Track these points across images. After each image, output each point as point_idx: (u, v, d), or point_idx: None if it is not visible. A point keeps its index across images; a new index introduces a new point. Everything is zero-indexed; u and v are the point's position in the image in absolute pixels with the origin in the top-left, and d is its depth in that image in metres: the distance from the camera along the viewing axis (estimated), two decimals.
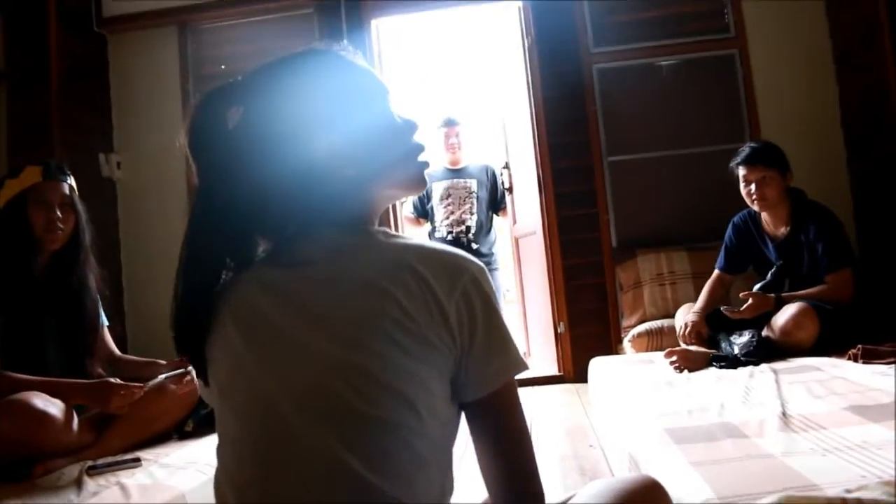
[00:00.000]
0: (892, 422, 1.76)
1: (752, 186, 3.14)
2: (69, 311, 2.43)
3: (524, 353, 4.94)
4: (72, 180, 2.45)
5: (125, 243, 4.58)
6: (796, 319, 2.86)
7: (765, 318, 3.01)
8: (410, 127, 1.13)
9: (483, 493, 1.06)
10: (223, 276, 1.05)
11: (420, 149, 1.13)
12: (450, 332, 0.95)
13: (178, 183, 4.45)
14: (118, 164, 4.53)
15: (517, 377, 1.02)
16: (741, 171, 3.20)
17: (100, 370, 2.48)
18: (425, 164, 1.14)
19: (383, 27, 4.74)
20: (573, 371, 4.26)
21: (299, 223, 1.04)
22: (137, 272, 4.50)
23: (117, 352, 2.72)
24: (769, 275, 3.14)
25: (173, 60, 4.65)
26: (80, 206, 2.44)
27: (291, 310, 0.98)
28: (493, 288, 1.01)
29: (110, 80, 4.67)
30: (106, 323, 2.67)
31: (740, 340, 2.96)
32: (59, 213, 2.34)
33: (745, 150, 3.22)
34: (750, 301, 3.00)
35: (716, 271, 3.48)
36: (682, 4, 4.40)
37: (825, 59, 4.26)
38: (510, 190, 4.98)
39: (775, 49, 4.29)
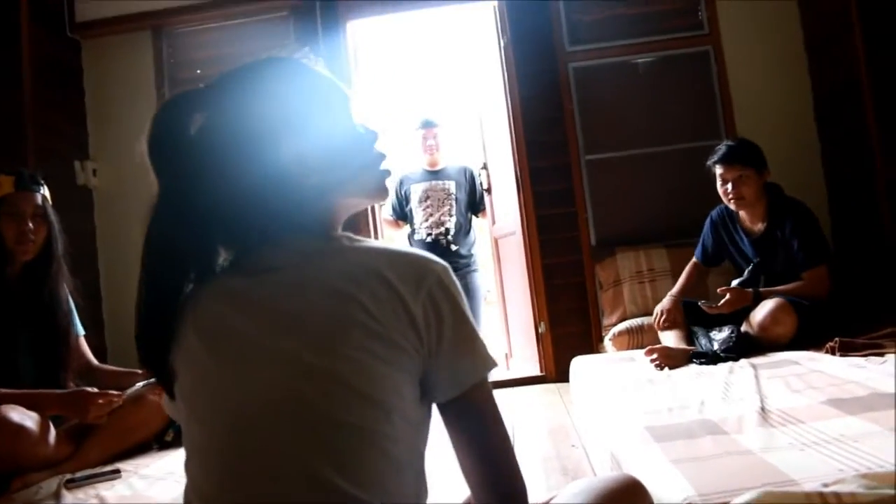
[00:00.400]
0: (869, 414, 1.78)
1: (729, 185, 3.15)
2: (41, 323, 2.40)
3: (505, 355, 4.96)
4: (45, 190, 2.42)
5: (103, 252, 4.53)
6: (774, 315, 2.89)
7: (743, 314, 3.04)
8: (371, 137, 1.14)
9: (457, 495, 1.05)
10: (185, 287, 1.04)
11: (381, 158, 1.14)
12: (416, 333, 0.96)
13: (155, 190, 4.40)
14: (94, 172, 4.48)
15: (494, 378, 1.02)
16: (718, 170, 3.21)
17: (72, 383, 2.45)
18: (387, 173, 1.15)
19: (359, 29, 4.74)
20: (555, 371, 4.25)
21: (261, 230, 1.03)
22: (116, 281, 4.45)
23: (95, 361, 2.70)
24: (746, 272, 3.16)
25: (148, 65, 4.60)
26: (53, 217, 2.41)
27: (257, 317, 0.97)
28: (458, 288, 1.01)
29: (85, 86, 4.62)
30: (81, 333, 2.64)
31: (719, 336, 2.98)
32: (31, 224, 2.31)
33: (722, 148, 3.23)
34: (728, 296, 3.02)
35: (693, 259, 3.52)
36: (656, 2, 4.42)
37: (798, 53, 4.30)
38: (489, 190, 4.98)
39: (749, 44, 4.33)
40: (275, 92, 1.06)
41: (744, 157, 3.15)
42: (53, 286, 2.42)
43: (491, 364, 1.02)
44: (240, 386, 0.94)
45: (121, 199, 4.45)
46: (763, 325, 2.91)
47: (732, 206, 3.23)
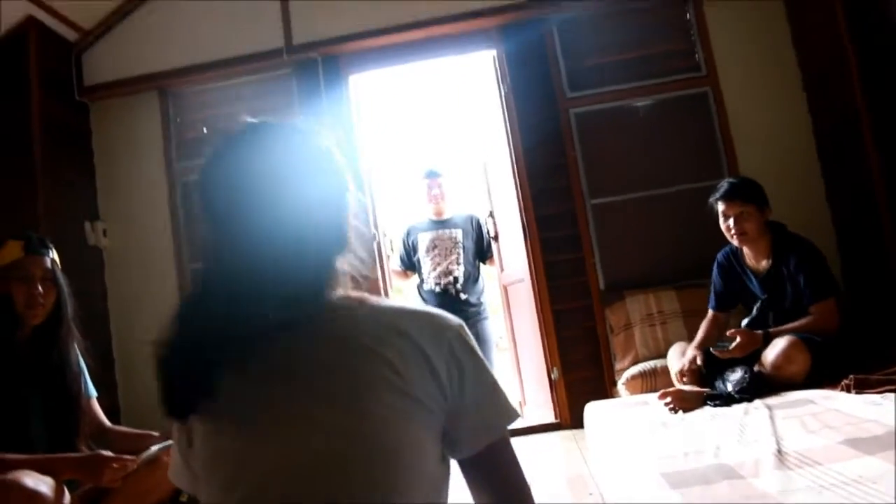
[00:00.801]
0: (887, 453, 1.75)
1: (731, 221, 3.18)
2: (52, 386, 2.40)
3: (519, 403, 4.91)
4: (54, 254, 2.45)
5: (114, 312, 4.54)
6: (787, 353, 2.86)
7: (755, 354, 3.01)
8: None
9: None
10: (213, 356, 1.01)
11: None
12: (440, 389, 0.96)
13: (165, 249, 4.47)
14: (104, 232, 4.52)
15: (513, 427, 1.03)
16: (720, 207, 3.24)
17: (84, 446, 2.44)
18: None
19: (361, 82, 4.80)
20: (570, 417, 4.21)
21: (276, 286, 1.01)
22: (128, 340, 4.45)
23: (107, 423, 2.69)
24: (754, 310, 3.16)
25: (155, 125, 4.67)
26: (61, 280, 2.43)
27: (276, 380, 0.97)
28: (475, 342, 1.03)
29: (94, 148, 4.68)
30: (94, 394, 2.64)
31: (733, 377, 2.95)
32: (40, 287, 2.33)
33: (724, 185, 3.27)
34: (738, 339, 2.99)
35: (709, 312, 3.48)
36: (653, 45, 4.49)
37: (797, 90, 4.32)
38: (496, 238, 5.00)
39: (747, 84, 4.36)
40: (308, 153, 1.07)
41: (744, 193, 3.17)
42: (63, 349, 2.43)
43: (514, 415, 1.04)
44: (263, 449, 0.94)
45: (131, 258, 4.50)
46: (776, 365, 2.88)
47: (735, 242, 3.24)
